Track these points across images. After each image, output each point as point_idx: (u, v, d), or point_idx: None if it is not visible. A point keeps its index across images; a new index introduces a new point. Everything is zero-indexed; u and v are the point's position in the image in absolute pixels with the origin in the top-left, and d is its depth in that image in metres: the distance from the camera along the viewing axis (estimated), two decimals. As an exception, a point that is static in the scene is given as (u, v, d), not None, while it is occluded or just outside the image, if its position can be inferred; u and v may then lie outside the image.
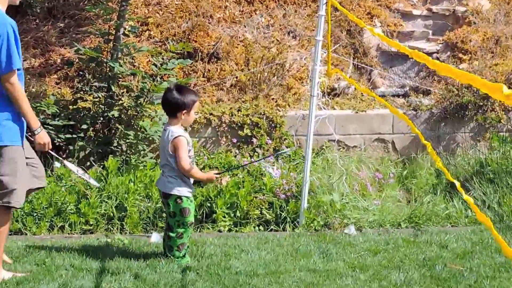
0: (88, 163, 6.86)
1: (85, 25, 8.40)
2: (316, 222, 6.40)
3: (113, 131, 7.09)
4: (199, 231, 6.34)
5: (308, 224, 6.41)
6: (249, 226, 6.50)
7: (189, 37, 8.27)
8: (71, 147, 6.89)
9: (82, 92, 7.28)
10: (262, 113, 7.51)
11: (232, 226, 6.49)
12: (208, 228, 6.42)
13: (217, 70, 8.10)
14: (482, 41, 8.61)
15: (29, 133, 4.96)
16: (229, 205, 6.51)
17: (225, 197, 6.48)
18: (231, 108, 7.58)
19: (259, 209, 6.60)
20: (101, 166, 6.80)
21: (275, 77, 8.05)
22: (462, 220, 6.66)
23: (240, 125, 7.46)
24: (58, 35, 8.36)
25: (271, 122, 7.51)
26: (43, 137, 4.91)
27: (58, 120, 6.95)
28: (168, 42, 8.04)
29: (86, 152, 6.96)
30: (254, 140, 7.40)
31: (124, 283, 4.81)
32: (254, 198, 6.62)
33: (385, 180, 7.22)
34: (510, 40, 8.66)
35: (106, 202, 6.43)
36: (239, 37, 8.46)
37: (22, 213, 6.19)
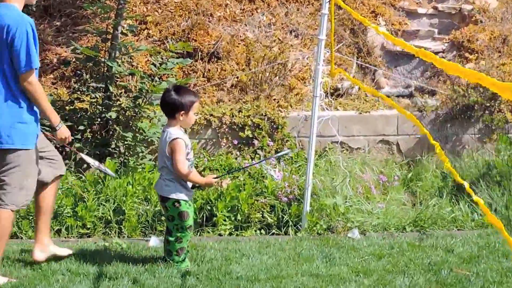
0: (85, 165, 6.86)
1: (82, 24, 8.41)
2: (319, 226, 6.40)
3: (110, 133, 7.09)
4: (199, 235, 6.34)
5: (311, 227, 6.40)
6: (250, 230, 6.50)
7: (189, 36, 8.28)
8: (67, 149, 6.89)
9: (79, 93, 7.29)
10: (264, 114, 7.51)
11: (233, 229, 6.49)
12: (208, 232, 6.42)
13: (217, 70, 8.11)
14: (489, 40, 8.61)
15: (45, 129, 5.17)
16: (229, 208, 6.51)
17: (225, 200, 6.48)
18: (231, 109, 7.58)
19: (261, 212, 6.60)
20: (99, 168, 6.80)
21: (277, 77, 8.05)
22: (468, 224, 6.66)
23: (241, 126, 7.46)
24: (54, 34, 8.37)
25: (272, 123, 7.51)
26: (64, 131, 5.11)
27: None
28: (167, 41, 8.05)
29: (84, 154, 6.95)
30: (255, 141, 7.40)
31: (122, 288, 4.82)
32: (256, 201, 6.62)
33: (390, 182, 7.21)
34: (518, 39, 8.67)
35: (104, 205, 6.43)
36: (240, 36, 8.47)
37: (17, 216, 6.19)
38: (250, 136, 7.43)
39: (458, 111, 7.91)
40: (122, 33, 7.27)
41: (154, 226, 6.38)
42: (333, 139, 7.54)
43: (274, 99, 7.87)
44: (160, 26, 8.41)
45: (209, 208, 6.50)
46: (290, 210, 6.54)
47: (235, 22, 8.65)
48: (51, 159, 5.21)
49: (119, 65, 7.07)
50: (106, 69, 7.10)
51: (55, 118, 5.02)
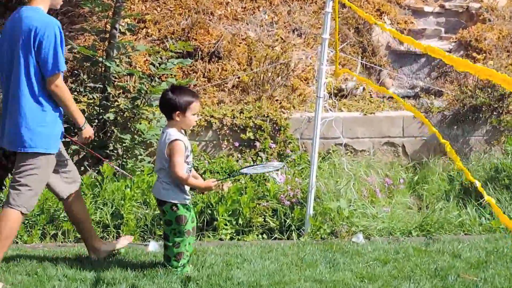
0: (83, 168, 6.87)
1: (79, 22, 8.42)
2: (322, 230, 6.41)
3: (108, 134, 7.10)
4: (200, 240, 6.34)
5: (314, 232, 6.41)
6: (252, 234, 6.51)
7: (189, 35, 8.29)
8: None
9: (76, 93, 7.29)
10: (266, 115, 7.52)
11: (234, 234, 6.50)
12: (209, 237, 6.43)
13: (218, 70, 8.12)
14: (498, 39, 8.62)
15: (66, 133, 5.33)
16: (231, 212, 6.52)
17: (226, 204, 6.49)
18: (233, 110, 7.60)
19: (263, 216, 6.61)
20: (96, 171, 6.81)
21: (279, 77, 8.06)
22: (476, 228, 6.66)
23: (243, 128, 7.47)
24: (51, 33, 8.38)
25: (275, 125, 7.52)
26: (89, 130, 5.29)
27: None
28: (167, 41, 8.06)
29: (80, 157, 6.97)
30: (257, 143, 7.41)
31: (120, 294, 4.84)
32: (257, 205, 6.62)
33: (395, 185, 7.22)
34: (527, 38, 8.68)
35: (101, 209, 6.44)
36: (241, 35, 8.48)
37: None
38: (252, 138, 7.44)
39: (465, 113, 7.92)
40: (120, 32, 7.28)
41: (153, 231, 6.39)
42: (337, 141, 7.55)
43: (277, 100, 7.88)
44: (159, 25, 8.42)
45: (209, 212, 6.51)
46: (292, 214, 6.55)
47: (236, 20, 8.67)
48: (66, 171, 5.29)
49: (117, 65, 7.08)
50: (103, 69, 7.11)
51: (81, 119, 5.16)
